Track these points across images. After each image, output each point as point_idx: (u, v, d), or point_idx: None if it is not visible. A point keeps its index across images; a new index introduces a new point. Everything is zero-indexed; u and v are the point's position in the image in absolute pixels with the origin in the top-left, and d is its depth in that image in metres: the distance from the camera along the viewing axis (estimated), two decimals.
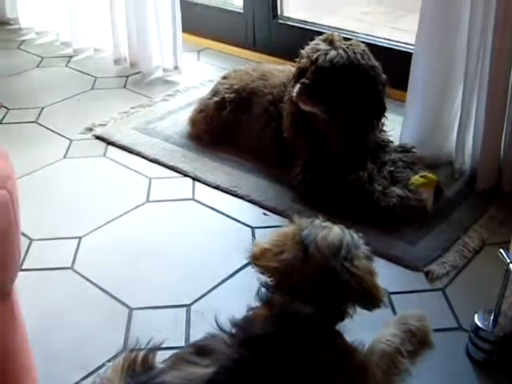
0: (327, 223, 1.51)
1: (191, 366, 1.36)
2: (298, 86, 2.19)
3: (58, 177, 2.52)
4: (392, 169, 2.28)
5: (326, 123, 2.24)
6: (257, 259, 1.50)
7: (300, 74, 2.23)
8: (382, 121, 2.31)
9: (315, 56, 2.17)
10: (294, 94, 2.19)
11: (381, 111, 2.26)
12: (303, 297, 1.41)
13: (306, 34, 3.07)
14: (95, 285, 1.96)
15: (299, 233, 1.46)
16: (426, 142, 2.41)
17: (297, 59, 2.30)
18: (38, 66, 3.48)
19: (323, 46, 2.20)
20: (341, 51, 2.17)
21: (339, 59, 2.15)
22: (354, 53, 2.18)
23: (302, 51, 2.26)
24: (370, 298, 1.44)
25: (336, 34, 2.28)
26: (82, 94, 3.17)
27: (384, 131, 2.38)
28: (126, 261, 2.07)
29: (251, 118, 2.52)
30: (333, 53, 2.16)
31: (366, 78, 2.19)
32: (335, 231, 1.47)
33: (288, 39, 3.19)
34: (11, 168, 1.33)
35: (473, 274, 1.96)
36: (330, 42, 2.21)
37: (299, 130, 2.31)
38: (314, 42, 2.26)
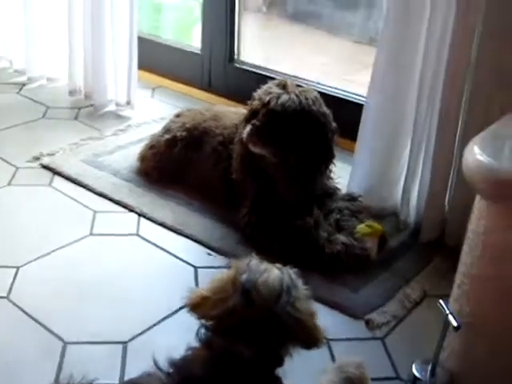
0: (264, 264, 1.48)
1: None
2: (248, 128, 2.20)
3: (0, 204, 2.46)
4: (338, 217, 2.30)
5: (275, 166, 2.25)
6: (196, 307, 1.46)
7: (251, 115, 2.24)
8: (330, 167, 2.33)
9: (267, 99, 2.19)
10: (244, 136, 2.20)
11: (329, 158, 2.29)
12: (243, 340, 1.39)
13: (261, 78, 3.10)
14: (30, 316, 1.91)
15: (239, 278, 1.43)
16: (372, 192, 2.44)
17: (249, 102, 2.32)
18: None
19: (276, 90, 2.22)
20: (293, 96, 2.19)
21: (291, 103, 2.17)
22: (306, 98, 2.20)
23: (255, 94, 2.28)
24: (312, 339, 1.43)
25: (289, 80, 2.31)
26: (32, 122, 3.12)
27: (332, 179, 2.40)
28: (64, 293, 2.02)
29: (201, 158, 2.52)
30: (285, 97, 2.18)
31: (316, 123, 2.21)
32: (274, 274, 1.44)
33: (243, 83, 3.22)
34: None
35: (412, 325, 1.97)
36: (283, 86, 2.23)
37: (248, 171, 2.32)
38: (267, 85, 2.28)
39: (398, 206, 2.45)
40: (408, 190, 2.37)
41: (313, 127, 2.20)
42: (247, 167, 2.31)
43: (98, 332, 1.86)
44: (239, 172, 2.34)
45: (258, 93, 2.26)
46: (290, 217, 2.22)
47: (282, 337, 1.42)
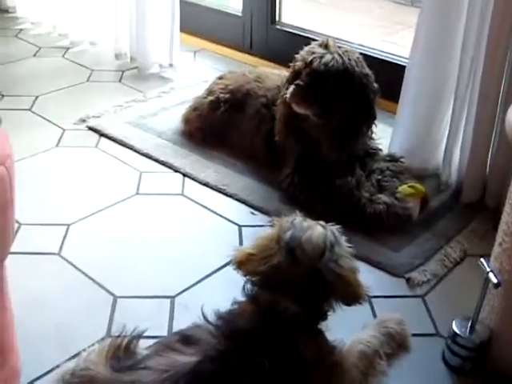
0: (308, 221, 1.52)
1: (176, 353, 1.39)
2: (292, 88, 2.21)
3: (49, 165, 2.54)
4: (380, 177, 2.32)
5: (318, 127, 2.27)
6: (242, 265, 1.51)
7: (294, 76, 2.26)
8: (372, 128, 2.34)
9: (310, 59, 2.20)
10: (288, 96, 2.22)
11: (371, 118, 2.29)
12: (289, 295, 1.44)
13: (302, 40, 3.10)
14: (81, 271, 1.98)
15: (283, 235, 1.48)
16: (414, 153, 2.45)
17: (291, 64, 2.33)
18: (34, 56, 3.50)
19: (319, 50, 2.23)
20: (336, 56, 2.20)
21: (334, 63, 2.18)
22: (349, 59, 2.21)
23: (297, 55, 2.29)
24: (354, 296, 1.48)
25: (331, 39, 2.31)
26: (77, 85, 3.19)
27: (373, 139, 2.42)
28: (113, 250, 2.09)
29: (244, 119, 2.55)
30: (328, 56, 2.19)
31: (359, 84, 2.22)
32: (318, 231, 1.49)
33: (284, 45, 3.23)
34: (10, 148, 1.35)
35: (452, 283, 2.00)
36: (326, 46, 2.25)
37: (291, 132, 2.34)
38: (309, 46, 2.29)
39: (439, 167, 2.46)
40: (450, 151, 2.38)
41: (355, 88, 2.21)
42: (290, 128, 2.33)
43: (146, 287, 1.93)
44: (282, 133, 2.36)
45: (301, 53, 2.28)
46: (332, 177, 2.25)
47: (326, 293, 1.47)
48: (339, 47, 2.29)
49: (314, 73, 2.19)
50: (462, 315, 1.70)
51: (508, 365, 1.64)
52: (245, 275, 1.51)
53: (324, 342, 1.52)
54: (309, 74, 2.20)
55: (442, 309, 1.88)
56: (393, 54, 3.02)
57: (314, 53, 2.22)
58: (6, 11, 4.02)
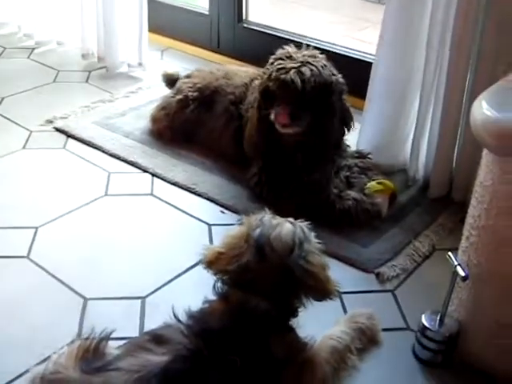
0: (277, 219, 1.53)
1: (147, 353, 1.39)
2: (279, 112, 2.15)
3: (16, 167, 2.51)
4: (348, 174, 2.34)
5: (297, 144, 2.25)
6: (211, 263, 1.51)
7: (265, 93, 2.22)
8: (350, 130, 2.34)
9: (282, 77, 2.14)
10: (273, 118, 2.17)
11: (350, 121, 2.31)
12: (259, 293, 1.45)
13: (270, 38, 3.13)
14: (51, 274, 1.96)
15: (251, 233, 1.48)
16: (381, 149, 2.47)
17: (261, 68, 2.30)
18: None
19: (288, 65, 2.16)
20: (312, 68, 2.15)
21: (315, 78, 2.14)
22: (323, 67, 2.18)
23: (265, 70, 2.24)
24: (324, 291, 1.48)
25: (291, 48, 2.25)
26: (43, 86, 3.16)
27: None
28: (82, 252, 2.08)
29: (213, 117, 2.55)
30: (307, 72, 2.13)
31: (338, 93, 2.23)
32: (287, 228, 1.49)
33: (252, 43, 3.24)
34: None
35: (421, 277, 2.02)
36: (290, 57, 2.19)
37: (262, 143, 2.31)
38: (275, 59, 2.23)
39: (406, 162, 2.49)
40: (417, 146, 2.40)
41: (335, 97, 2.22)
42: (264, 137, 2.29)
43: (116, 288, 1.92)
44: (252, 145, 2.34)
45: (270, 70, 2.20)
46: (300, 174, 2.25)
47: (296, 289, 1.48)
48: (307, 45, 2.27)
49: (294, 93, 2.13)
50: (432, 309, 1.72)
51: (476, 357, 1.66)
52: (215, 274, 1.51)
53: (295, 338, 1.53)
54: (290, 97, 2.14)
55: (412, 303, 1.90)
56: (360, 51, 3.03)
57: (285, 69, 2.16)
58: None
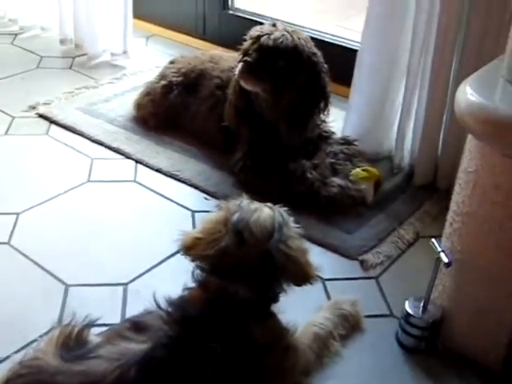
0: (255, 203, 1.51)
1: (127, 341, 1.37)
2: (240, 65, 2.19)
3: None
4: (333, 160, 2.32)
5: (269, 107, 2.25)
6: (189, 249, 1.49)
7: (244, 55, 2.23)
8: (327, 109, 2.32)
9: (257, 34, 2.19)
10: (237, 73, 2.19)
11: (324, 97, 2.29)
12: (238, 279, 1.43)
13: (256, 25, 3.10)
14: (32, 261, 1.94)
15: (230, 218, 1.46)
16: (367, 136, 2.46)
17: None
18: None
19: (267, 28, 2.22)
20: (285, 33, 2.19)
21: (283, 40, 2.16)
22: (298, 38, 2.21)
23: (246, 35, 2.27)
24: (304, 276, 1.47)
25: (280, 22, 2.29)
26: (26, 72, 3.12)
27: (326, 123, 2.42)
28: (64, 238, 2.06)
29: (198, 102, 2.52)
30: (277, 33, 2.18)
31: (309, 62, 2.21)
32: (265, 213, 1.48)
33: (237, 30, 3.15)
34: None
35: (405, 265, 2.01)
36: (274, 25, 2.24)
37: (242, 116, 2.31)
38: (258, 26, 2.28)
39: (392, 150, 2.48)
40: (402, 133, 2.40)
41: (305, 65, 2.21)
42: (240, 110, 2.30)
43: (98, 274, 1.90)
44: (231, 116, 2.33)
45: (249, 33, 2.25)
46: (285, 160, 2.24)
47: (276, 274, 1.46)
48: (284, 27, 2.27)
49: (263, 48, 2.17)
50: (415, 295, 1.72)
51: (459, 343, 1.67)
52: (193, 260, 1.49)
53: (277, 324, 1.52)
54: (257, 50, 2.17)
55: (396, 290, 1.90)
56: (346, 39, 3.02)
57: (262, 31, 2.21)
58: None
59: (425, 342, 1.70)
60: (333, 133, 2.44)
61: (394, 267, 2.00)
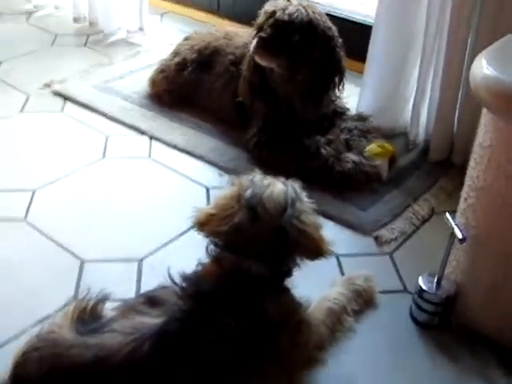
0: (268, 179, 1.51)
1: (141, 315, 1.39)
2: (255, 40, 2.17)
3: (14, 130, 2.49)
4: (348, 136, 2.31)
5: (284, 82, 2.23)
6: (203, 225, 1.50)
7: (258, 30, 2.21)
8: (342, 84, 2.30)
9: (272, 9, 2.17)
10: (252, 49, 2.18)
11: (339, 71, 2.27)
12: (252, 254, 1.43)
13: (270, 0, 3.08)
14: (48, 237, 1.96)
15: (243, 194, 1.46)
16: (382, 112, 2.45)
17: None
18: None
19: (282, 3, 2.20)
20: (300, 7, 2.17)
21: (298, 14, 2.15)
22: (313, 12, 2.19)
23: (261, 10, 2.25)
24: (317, 251, 1.47)
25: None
26: (41, 50, 3.13)
27: (341, 99, 2.40)
28: (79, 215, 2.07)
29: (212, 78, 2.51)
30: (291, 8, 2.16)
31: (324, 36, 2.20)
32: (278, 188, 1.47)
33: (252, 5, 3.16)
34: None
35: (420, 241, 2.01)
36: (288, 0, 2.21)
37: (255, 90, 2.30)
38: (272, 0, 2.26)
39: (407, 126, 2.46)
40: (417, 109, 2.38)
41: (320, 39, 2.19)
42: (254, 86, 2.29)
43: (114, 250, 1.92)
44: (246, 91, 2.32)
45: (264, 8, 2.23)
46: (299, 136, 2.23)
47: (289, 249, 1.46)
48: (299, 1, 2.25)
49: (278, 23, 2.15)
50: (429, 271, 1.72)
51: (473, 318, 1.66)
52: (206, 236, 1.50)
53: (290, 299, 1.52)
54: (272, 26, 2.15)
55: (410, 265, 1.89)
56: (360, 14, 2.99)
57: (276, 5, 2.19)
58: None
59: (438, 317, 1.70)
60: (347, 109, 2.43)
61: (408, 243, 2.00)
